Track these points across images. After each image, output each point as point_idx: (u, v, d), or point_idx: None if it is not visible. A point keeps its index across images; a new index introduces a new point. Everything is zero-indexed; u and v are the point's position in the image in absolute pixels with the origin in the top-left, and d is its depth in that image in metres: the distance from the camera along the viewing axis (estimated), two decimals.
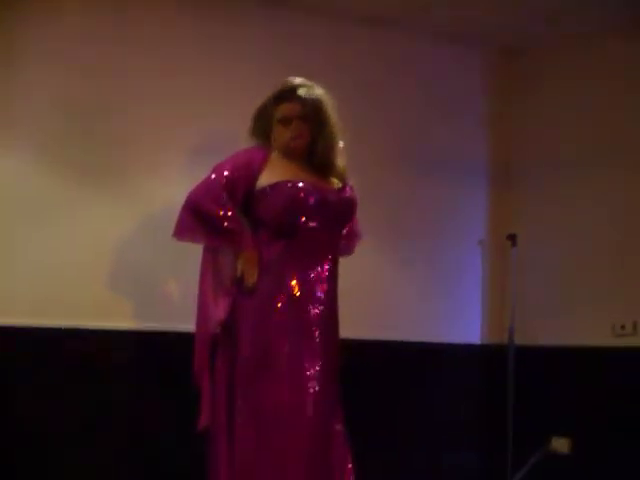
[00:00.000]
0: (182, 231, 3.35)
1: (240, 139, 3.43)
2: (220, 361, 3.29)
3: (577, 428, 4.24)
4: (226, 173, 3.29)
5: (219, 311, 3.31)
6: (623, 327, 4.16)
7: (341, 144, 3.39)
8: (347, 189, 3.43)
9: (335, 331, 3.41)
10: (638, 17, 4.14)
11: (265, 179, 3.32)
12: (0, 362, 3.63)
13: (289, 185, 3.27)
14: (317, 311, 3.29)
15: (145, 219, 3.93)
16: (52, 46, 3.84)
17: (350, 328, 3.52)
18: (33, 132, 3.79)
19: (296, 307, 3.25)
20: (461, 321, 4.62)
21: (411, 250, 4.50)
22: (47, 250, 3.76)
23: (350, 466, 3.35)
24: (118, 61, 3.94)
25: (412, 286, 4.49)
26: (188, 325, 3.32)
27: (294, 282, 3.26)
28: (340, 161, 3.41)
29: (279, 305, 3.23)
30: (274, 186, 3.29)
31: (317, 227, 3.30)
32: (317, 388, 3.25)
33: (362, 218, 3.58)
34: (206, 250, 3.38)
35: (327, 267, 3.33)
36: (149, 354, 3.85)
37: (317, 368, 3.26)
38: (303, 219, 3.27)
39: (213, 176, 3.32)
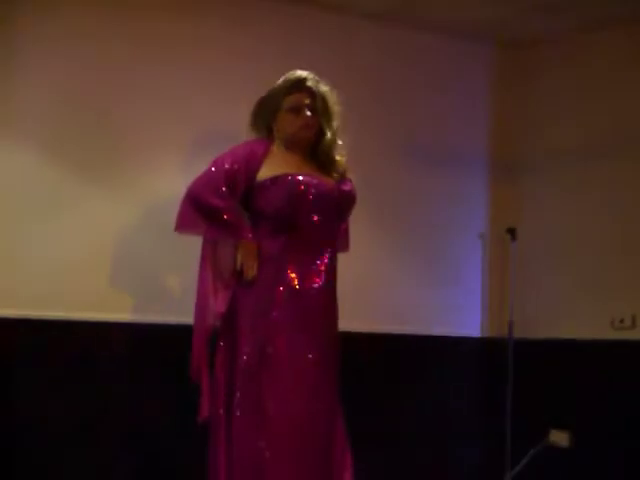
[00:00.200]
0: (183, 224, 3.37)
1: (240, 134, 3.43)
2: (220, 355, 3.30)
3: (576, 421, 4.24)
4: (226, 166, 3.30)
5: (219, 304, 3.32)
6: (622, 321, 4.16)
7: (340, 142, 3.40)
8: (347, 183, 3.43)
9: (334, 324, 3.41)
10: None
11: (266, 172, 3.32)
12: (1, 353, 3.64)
13: (289, 178, 3.28)
14: (316, 304, 3.30)
15: (146, 212, 3.93)
16: (53, 43, 3.84)
17: (350, 321, 3.53)
18: (35, 129, 3.79)
19: (295, 300, 3.25)
20: (461, 314, 4.62)
21: (411, 243, 4.51)
22: (48, 244, 3.77)
23: (349, 460, 3.36)
24: (118, 57, 3.93)
25: (412, 279, 4.49)
26: (188, 318, 3.33)
27: (293, 275, 3.26)
28: (341, 157, 3.42)
29: (278, 298, 3.24)
30: (274, 179, 3.29)
31: (317, 220, 3.30)
32: (317, 382, 3.26)
33: (363, 211, 3.61)
34: (206, 243, 3.38)
35: (326, 260, 3.33)
36: (149, 347, 3.85)
37: (317, 362, 3.27)
38: (303, 212, 3.28)
39: (213, 169, 3.32)
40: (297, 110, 3.35)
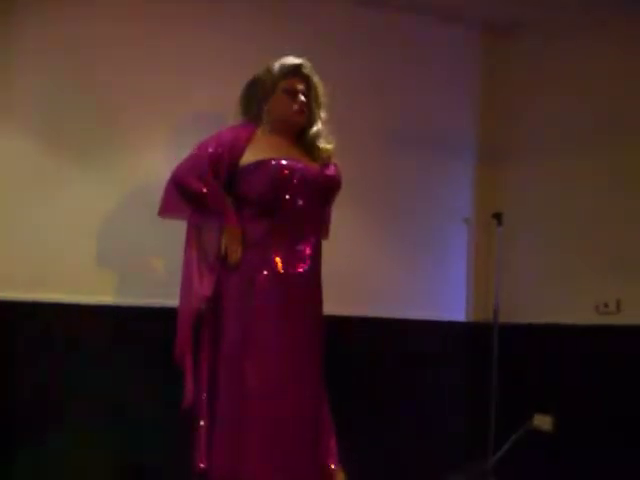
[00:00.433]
0: (167, 208, 3.38)
1: (228, 116, 3.44)
2: (204, 340, 3.30)
3: (560, 406, 4.26)
4: (210, 150, 3.31)
5: (204, 287, 3.33)
6: (607, 305, 4.17)
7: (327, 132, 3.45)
8: (332, 168, 3.43)
9: (319, 308, 3.42)
10: None
11: (249, 156, 3.33)
12: None
13: (273, 163, 3.28)
14: (301, 288, 3.30)
15: (133, 194, 3.92)
16: (50, 29, 3.85)
17: (335, 305, 3.54)
18: (29, 112, 3.80)
19: (280, 284, 3.26)
20: (446, 299, 4.63)
21: (397, 227, 4.51)
22: (34, 227, 3.77)
23: (334, 445, 3.38)
24: (112, 38, 3.93)
25: (397, 263, 4.49)
26: (174, 301, 3.33)
27: (278, 259, 3.27)
28: (328, 144, 3.43)
29: (263, 282, 3.24)
30: (258, 163, 3.29)
31: (301, 205, 3.30)
32: (301, 366, 3.27)
33: (348, 195, 3.60)
34: (190, 227, 3.39)
35: (311, 244, 3.34)
36: (134, 329, 3.83)
37: (301, 346, 3.28)
38: (287, 197, 3.28)
39: (197, 153, 3.34)
40: (293, 94, 3.38)
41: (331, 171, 3.42)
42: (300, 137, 3.45)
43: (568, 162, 4.38)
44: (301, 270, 3.30)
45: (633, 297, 4.08)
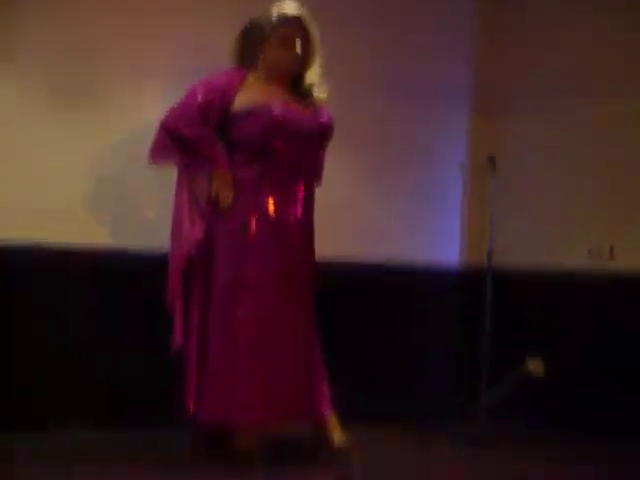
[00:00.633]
0: (157, 154, 3.37)
1: (220, 60, 3.41)
2: (195, 285, 3.31)
3: (553, 351, 4.28)
4: (201, 95, 3.30)
5: (195, 231, 3.33)
6: (600, 251, 4.18)
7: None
8: (324, 114, 3.42)
9: (311, 252, 3.45)
10: None
11: (241, 101, 3.32)
12: None
13: (266, 109, 3.26)
14: (292, 232, 3.31)
15: (123, 139, 3.87)
16: None
17: (327, 250, 3.55)
18: (29, 64, 3.74)
19: (271, 228, 3.28)
20: (440, 243, 4.64)
21: (391, 172, 4.48)
22: (29, 173, 3.73)
23: (327, 390, 3.40)
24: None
25: (391, 208, 4.48)
26: (165, 245, 3.35)
27: (269, 203, 3.27)
28: (322, 93, 3.43)
29: (254, 225, 3.24)
30: (251, 109, 3.28)
31: (292, 150, 3.30)
32: (293, 311, 3.29)
33: (342, 140, 3.58)
34: (181, 172, 3.38)
35: (302, 189, 3.35)
36: (125, 272, 3.81)
37: (293, 290, 3.29)
38: (278, 142, 3.27)
39: (188, 98, 3.32)
40: (290, 43, 3.37)
41: (324, 118, 3.42)
42: (294, 85, 3.43)
43: (564, 109, 4.35)
44: (293, 215, 3.30)
45: (626, 243, 4.09)
